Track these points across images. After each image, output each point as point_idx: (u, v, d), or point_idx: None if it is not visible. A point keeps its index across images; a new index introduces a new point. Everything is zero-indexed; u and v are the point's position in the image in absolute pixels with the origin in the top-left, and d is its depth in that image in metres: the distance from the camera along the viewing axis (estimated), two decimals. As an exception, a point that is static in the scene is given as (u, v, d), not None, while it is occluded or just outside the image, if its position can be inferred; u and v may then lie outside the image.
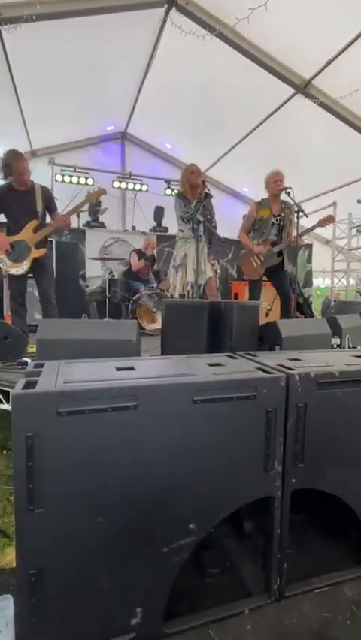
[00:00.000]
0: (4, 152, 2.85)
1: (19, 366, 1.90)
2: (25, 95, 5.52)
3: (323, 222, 3.42)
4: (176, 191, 3.54)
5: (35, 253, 2.84)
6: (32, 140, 6.72)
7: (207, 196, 3.25)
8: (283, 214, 3.51)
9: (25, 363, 1.88)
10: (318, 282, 8.59)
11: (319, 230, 4.17)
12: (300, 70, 4.76)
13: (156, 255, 6.06)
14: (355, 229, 6.41)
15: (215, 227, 3.39)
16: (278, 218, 3.52)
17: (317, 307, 7.94)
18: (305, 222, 3.45)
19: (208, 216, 3.28)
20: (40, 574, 0.86)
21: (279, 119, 5.71)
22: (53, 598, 0.88)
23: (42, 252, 2.86)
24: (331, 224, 3.53)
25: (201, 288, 3.19)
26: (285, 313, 3.54)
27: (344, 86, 4.49)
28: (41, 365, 1.14)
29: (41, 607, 0.87)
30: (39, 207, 2.88)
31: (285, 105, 5.37)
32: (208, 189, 3.27)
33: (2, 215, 2.99)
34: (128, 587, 0.94)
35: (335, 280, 7.02)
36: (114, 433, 0.90)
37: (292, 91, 5.02)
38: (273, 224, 3.52)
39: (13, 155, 2.80)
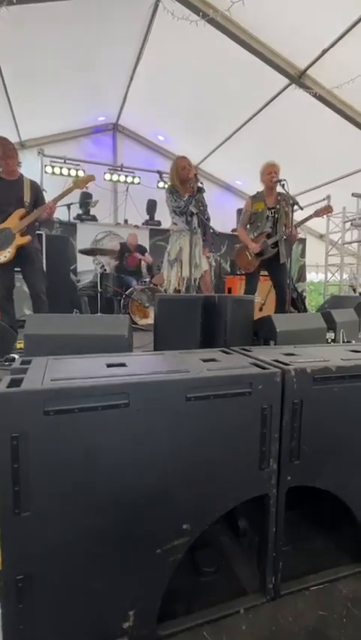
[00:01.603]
0: None
1: (7, 363, 1.85)
2: (13, 84, 5.37)
3: (319, 212, 3.40)
4: (167, 185, 3.46)
5: (19, 240, 2.79)
6: (21, 130, 6.57)
7: (200, 190, 3.19)
8: (278, 206, 3.48)
9: (13, 359, 1.83)
10: (311, 276, 8.61)
11: (313, 225, 4.17)
12: (295, 60, 4.70)
13: (148, 247, 6.01)
14: (349, 223, 6.40)
15: (208, 220, 3.34)
16: (273, 210, 3.49)
17: (310, 302, 7.97)
18: (300, 216, 3.42)
19: (201, 208, 3.23)
20: (27, 579, 0.83)
21: (273, 110, 5.65)
22: (41, 603, 0.85)
23: (26, 239, 2.80)
24: (325, 217, 3.51)
25: (197, 282, 3.16)
26: (280, 307, 3.52)
27: (339, 77, 4.45)
28: (28, 362, 1.09)
29: (30, 613, 0.84)
30: (27, 197, 2.85)
31: (279, 96, 5.32)
32: (201, 183, 3.22)
33: None
34: (121, 591, 0.91)
35: (329, 275, 7.03)
36: (105, 432, 0.87)
37: (286, 81, 4.96)
38: (268, 217, 3.49)
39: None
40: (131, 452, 0.89)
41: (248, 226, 3.61)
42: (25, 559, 0.83)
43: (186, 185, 3.21)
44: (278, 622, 0.99)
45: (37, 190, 2.97)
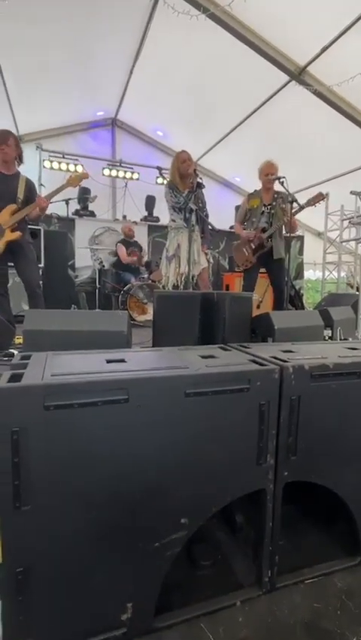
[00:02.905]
0: None
1: (6, 358, 1.85)
2: (11, 78, 5.32)
3: (311, 201, 3.39)
4: (166, 180, 3.45)
5: (9, 236, 2.77)
6: (19, 124, 6.51)
7: (200, 186, 3.19)
8: (274, 203, 3.50)
9: (12, 355, 1.83)
10: (309, 274, 8.63)
11: (311, 222, 4.16)
12: (295, 56, 4.68)
13: (147, 244, 5.99)
14: (347, 221, 6.41)
15: (207, 216, 3.34)
16: (269, 206, 3.51)
17: (308, 299, 8.00)
18: (299, 214, 3.43)
19: (200, 205, 3.22)
20: (27, 572, 0.84)
21: (273, 107, 5.63)
22: (41, 596, 0.86)
23: (16, 235, 2.78)
24: (316, 206, 3.46)
25: (195, 279, 3.16)
26: (278, 305, 3.55)
27: (339, 74, 4.43)
28: (28, 357, 1.09)
29: (29, 605, 0.85)
30: (20, 194, 2.83)
31: (279, 93, 5.30)
32: (201, 178, 3.21)
33: None
34: (119, 583, 0.92)
35: (326, 272, 7.04)
36: (104, 427, 0.87)
37: (286, 78, 4.94)
38: (263, 212, 3.52)
39: None
40: (131, 447, 0.90)
41: (245, 223, 3.64)
42: (24, 552, 0.84)
43: (185, 180, 3.21)
44: (274, 614, 1.01)
45: (31, 188, 2.95)
